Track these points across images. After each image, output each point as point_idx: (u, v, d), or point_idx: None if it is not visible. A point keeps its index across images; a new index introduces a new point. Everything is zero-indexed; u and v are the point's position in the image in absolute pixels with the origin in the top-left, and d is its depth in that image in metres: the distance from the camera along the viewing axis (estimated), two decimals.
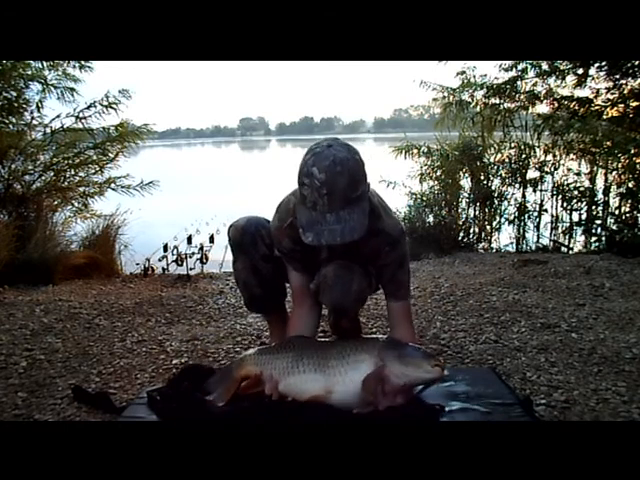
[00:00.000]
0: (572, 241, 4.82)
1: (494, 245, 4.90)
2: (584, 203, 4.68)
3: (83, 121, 4.22)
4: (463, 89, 5.15)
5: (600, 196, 4.70)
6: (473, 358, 1.96)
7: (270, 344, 1.98)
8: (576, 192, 4.66)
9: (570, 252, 4.58)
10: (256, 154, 41.13)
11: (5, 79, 3.90)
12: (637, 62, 4.32)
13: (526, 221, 4.89)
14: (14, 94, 3.98)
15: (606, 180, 4.72)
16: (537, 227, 4.90)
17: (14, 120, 4.09)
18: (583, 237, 4.77)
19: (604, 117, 4.63)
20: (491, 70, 5.70)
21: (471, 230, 4.87)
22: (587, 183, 4.73)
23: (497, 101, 5.07)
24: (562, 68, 4.77)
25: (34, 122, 4.14)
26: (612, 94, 4.68)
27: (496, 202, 4.89)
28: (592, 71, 4.71)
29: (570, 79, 4.82)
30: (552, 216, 4.84)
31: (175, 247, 4.00)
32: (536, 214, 4.86)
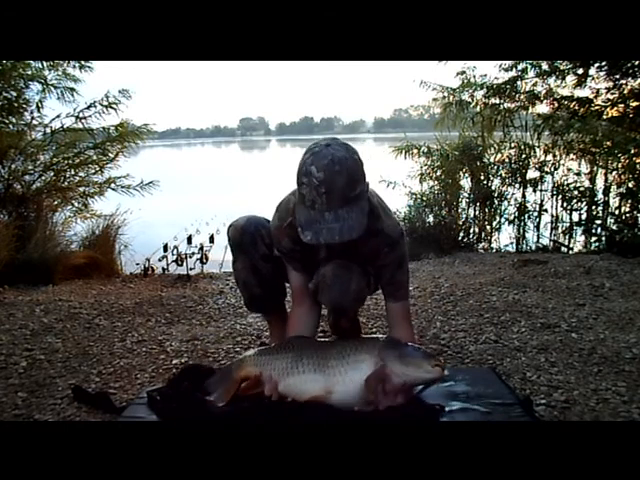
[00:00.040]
0: (572, 241, 4.82)
1: (494, 245, 4.90)
2: (584, 203, 4.68)
3: (83, 121, 4.23)
4: (463, 89, 5.15)
5: (600, 196, 4.70)
6: (473, 358, 1.96)
7: (270, 344, 1.98)
8: (576, 192, 4.66)
9: (570, 252, 4.58)
10: (256, 154, 41.11)
11: (5, 79, 3.90)
12: (637, 62, 4.32)
13: (526, 221, 4.89)
14: (14, 94, 3.98)
15: (606, 180, 4.72)
16: (537, 227, 4.90)
17: (14, 120, 4.09)
18: (583, 237, 4.77)
19: (604, 117, 4.63)
20: (491, 70, 5.72)
21: (471, 230, 4.87)
22: (587, 183, 4.73)
23: (497, 101, 5.07)
24: (562, 68, 4.76)
25: (34, 122, 4.15)
26: (612, 94, 4.68)
27: (496, 202, 4.89)
28: (592, 71, 4.71)
29: (570, 79, 4.82)
30: (552, 216, 4.84)
31: (175, 247, 4.00)
32: (536, 214, 4.86)
